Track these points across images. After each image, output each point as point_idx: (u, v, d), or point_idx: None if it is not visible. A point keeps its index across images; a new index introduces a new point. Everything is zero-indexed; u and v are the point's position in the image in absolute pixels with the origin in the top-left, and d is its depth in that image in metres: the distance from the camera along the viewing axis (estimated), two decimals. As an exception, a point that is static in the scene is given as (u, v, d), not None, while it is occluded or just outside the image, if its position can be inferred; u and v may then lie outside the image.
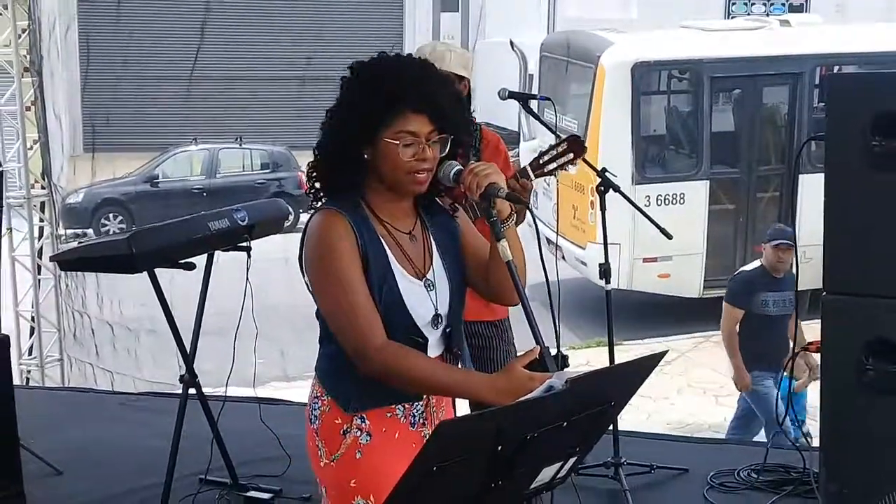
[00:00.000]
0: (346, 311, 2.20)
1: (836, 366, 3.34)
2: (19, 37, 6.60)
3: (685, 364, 9.03)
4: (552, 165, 3.27)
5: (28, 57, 6.71)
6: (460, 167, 2.25)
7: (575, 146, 3.26)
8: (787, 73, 10.13)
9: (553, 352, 2.07)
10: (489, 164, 2.27)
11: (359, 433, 2.28)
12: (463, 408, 3.27)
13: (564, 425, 1.83)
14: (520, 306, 2.15)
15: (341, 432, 2.29)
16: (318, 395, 2.34)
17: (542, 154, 3.31)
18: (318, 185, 2.29)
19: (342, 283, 2.19)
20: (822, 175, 3.27)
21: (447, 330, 2.31)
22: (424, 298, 2.27)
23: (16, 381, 5.87)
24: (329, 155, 2.25)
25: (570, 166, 3.26)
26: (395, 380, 2.21)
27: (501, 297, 2.35)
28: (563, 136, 3.35)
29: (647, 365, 1.97)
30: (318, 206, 2.29)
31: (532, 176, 3.22)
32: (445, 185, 2.28)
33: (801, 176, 8.15)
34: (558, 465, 1.96)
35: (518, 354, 2.26)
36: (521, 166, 3.31)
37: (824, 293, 3.33)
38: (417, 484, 1.70)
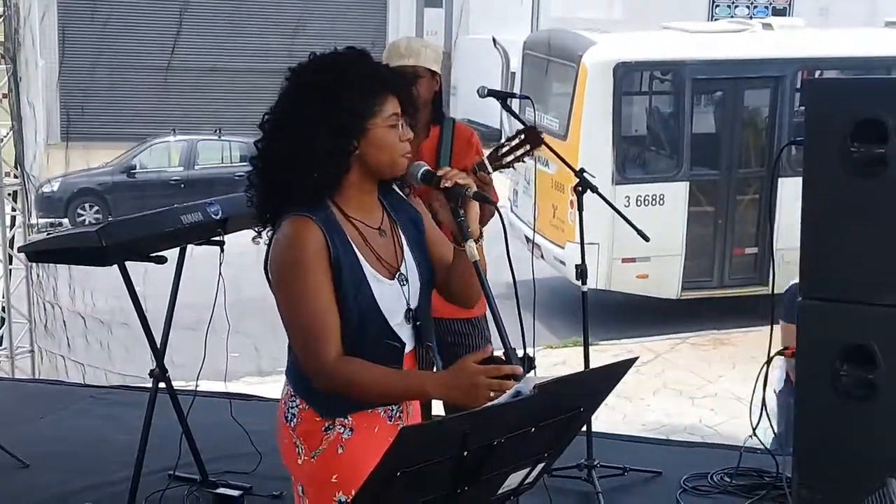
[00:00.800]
0: (301, 326, 2.18)
1: (810, 371, 3.34)
2: (-6, 23, 6.53)
3: (662, 365, 9.05)
4: (509, 158, 3.26)
5: (3, 44, 6.63)
6: (427, 167, 2.24)
7: (531, 137, 3.25)
8: (768, 77, 10.14)
9: (520, 353, 2.05)
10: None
11: (342, 429, 2.26)
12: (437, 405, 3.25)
13: (532, 431, 1.80)
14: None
15: (323, 429, 2.26)
16: (294, 393, 2.31)
17: (499, 146, 3.31)
18: (279, 197, 2.22)
19: (300, 298, 2.17)
20: (801, 179, 3.26)
21: (417, 324, 2.29)
22: (399, 296, 2.24)
23: (-16, 372, 5.83)
24: (307, 162, 2.17)
25: (527, 158, 3.26)
26: (350, 394, 2.19)
27: (462, 298, 2.32)
28: (521, 128, 3.35)
29: (617, 371, 1.95)
30: (265, 230, 2.26)
31: (489, 168, 3.21)
32: (413, 184, 2.26)
33: (780, 179, 8.15)
34: (526, 470, 1.93)
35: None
36: (479, 160, 3.29)
37: (800, 298, 3.33)
38: (381, 489, 1.67)
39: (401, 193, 2.35)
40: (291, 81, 2.22)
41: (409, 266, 2.28)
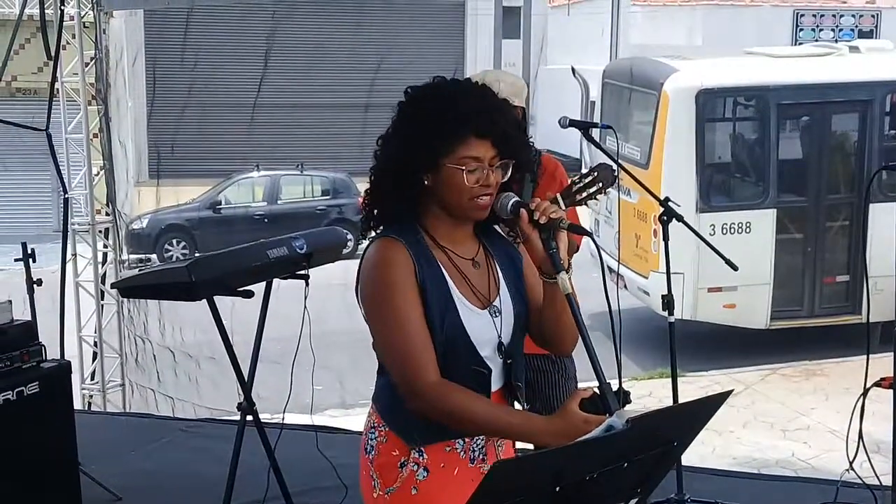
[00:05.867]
0: (399, 347, 2.14)
1: (911, 403, 3.22)
2: (86, 65, 6.72)
3: (751, 397, 8.83)
4: (582, 195, 3.22)
5: (95, 85, 6.83)
6: (518, 199, 2.20)
7: (604, 175, 3.21)
8: (856, 101, 9.92)
9: (615, 387, 2.00)
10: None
11: (416, 468, 2.22)
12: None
13: (625, 466, 1.76)
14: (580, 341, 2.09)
15: (398, 465, 2.23)
16: (376, 424, 2.29)
17: (572, 183, 3.27)
18: (374, 211, 2.26)
19: (396, 318, 2.14)
20: (893, 204, 3.17)
21: (508, 362, 2.25)
22: (489, 326, 2.21)
23: (78, 405, 5.96)
24: (387, 182, 2.21)
25: (600, 195, 3.21)
26: (446, 419, 2.15)
27: (555, 338, 2.27)
28: (594, 165, 3.31)
29: (711, 404, 1.90)
30: (372, 234, 2.26)
31: (563, 205, 3.17)
32: (502, 216, 2.22)
33: (871, 205, 7.94)
34: (619, 506, 1.89)
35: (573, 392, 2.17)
36: (552, 196, 3.25)
37: (898, 327, 3.23)
38: (472, 525, 1.64)
39: (502, 234, 2.33)
40: (401, 102, 2.23)
41: (504, 300, 2.26)
